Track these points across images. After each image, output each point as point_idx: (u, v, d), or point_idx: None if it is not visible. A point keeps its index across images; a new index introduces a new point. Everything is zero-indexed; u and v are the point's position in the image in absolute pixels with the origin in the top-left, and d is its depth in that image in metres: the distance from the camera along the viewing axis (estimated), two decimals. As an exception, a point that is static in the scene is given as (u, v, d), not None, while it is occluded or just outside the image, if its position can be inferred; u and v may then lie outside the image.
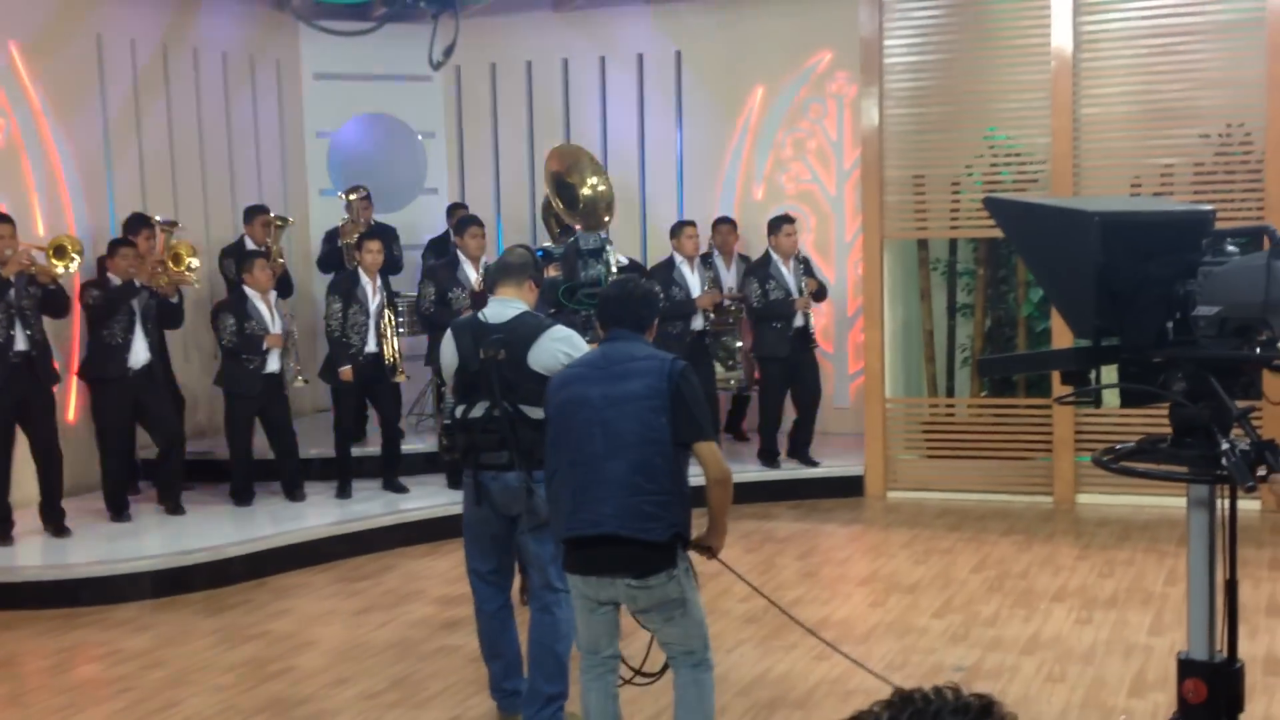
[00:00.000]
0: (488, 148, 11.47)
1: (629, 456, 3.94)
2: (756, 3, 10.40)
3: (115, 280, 7.84)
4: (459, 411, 4.82)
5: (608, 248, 6.03)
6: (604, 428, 3.97)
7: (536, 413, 4.61)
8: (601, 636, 4.12)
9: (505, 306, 4.83)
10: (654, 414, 3.95)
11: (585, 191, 9.20)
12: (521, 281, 4.90)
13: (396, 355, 8.55)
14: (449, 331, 4.94)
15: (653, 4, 10.74)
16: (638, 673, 4.37)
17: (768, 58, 10.40)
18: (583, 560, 4.02)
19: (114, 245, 7.99)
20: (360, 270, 8.52)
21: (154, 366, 7.97)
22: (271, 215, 9.44)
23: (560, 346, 4.72)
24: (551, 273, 6.00)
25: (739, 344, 9.52)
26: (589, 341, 5.13)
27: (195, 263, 8.25)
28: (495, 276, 4.98)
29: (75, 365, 8.36)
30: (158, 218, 8.81)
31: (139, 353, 7.87)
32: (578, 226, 7.90)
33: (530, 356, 4.70)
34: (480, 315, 4.88)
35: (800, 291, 8.97)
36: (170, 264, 8.09)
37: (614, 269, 6.01)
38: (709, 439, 4.04)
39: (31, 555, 7.21)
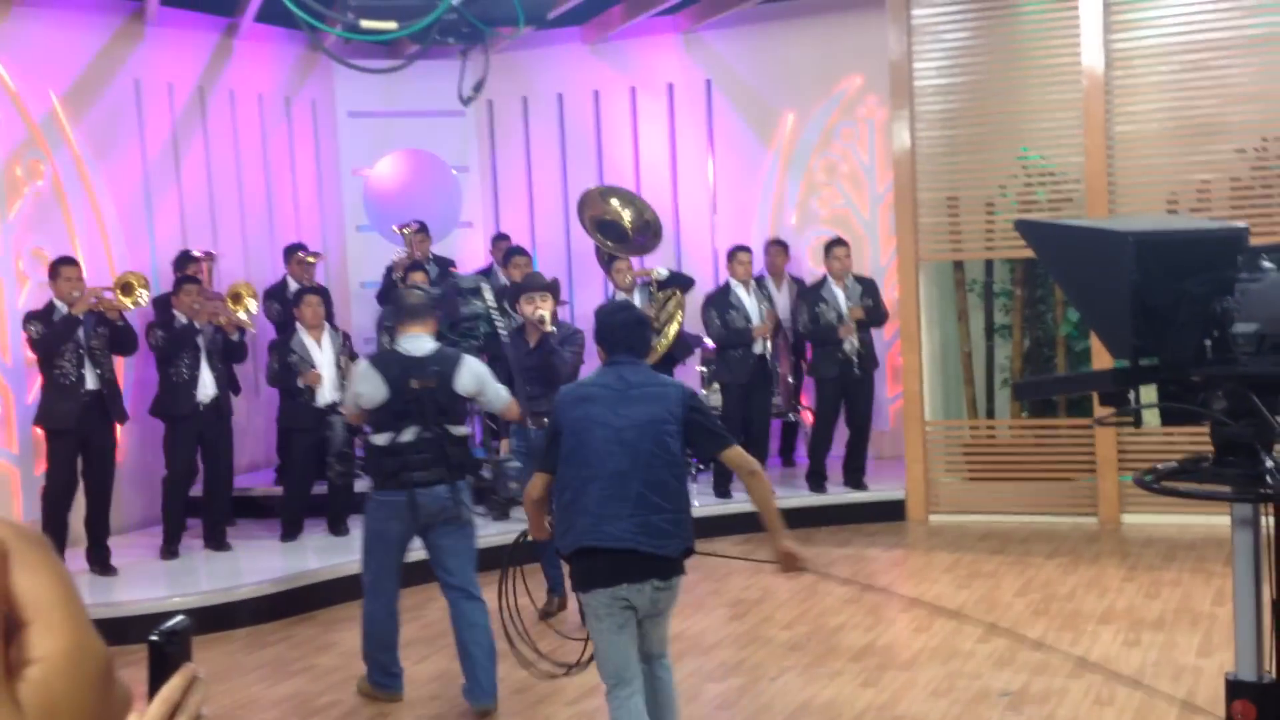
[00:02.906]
0: (521, 181, 11.55)
1: (647, 476, 4.18)
2: (785, 29, 10.44)
3: (180, 317, 7.97)
4: (385, 439, 5.36)
5: (483, 286, 6.68)
6: (623, 447, 4.19)
7: (460, 430, 5.50)
8: (629, 655, 4.22)
9: (421, 341, 5.45)
10: (671, 438, 4.23)
11: (629, 217, 9.28)
12: (427, 320, 5.53)
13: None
14: (368, 366, 5.50)
15: (682, 33, 10.80)
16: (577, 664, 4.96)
17: (798, 84, 10.42)
18: (610, 571, 4.17)
19: (179, 283, 8.16)
20: None
21: (221, 401, 8.07)
22: (303, 254, 9.57)
23: (477, 371, 5.53)
24: None
25: (777, 369, 9.51)
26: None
27: (254, 305, 8.35)
28: (403, 318, 5.56)
29: (131, 403, 8.50)
30: (196, 252, 8.96)
31: (206, 387, 7.97)
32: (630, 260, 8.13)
33: (457, 383, 5.41)
34: (399, 350, 5.47)
35: (842, 318, 8.93)
36: (230, 303, 8.20)
37: (491, 304, 6.66)
38: (732, 444, 4.36)
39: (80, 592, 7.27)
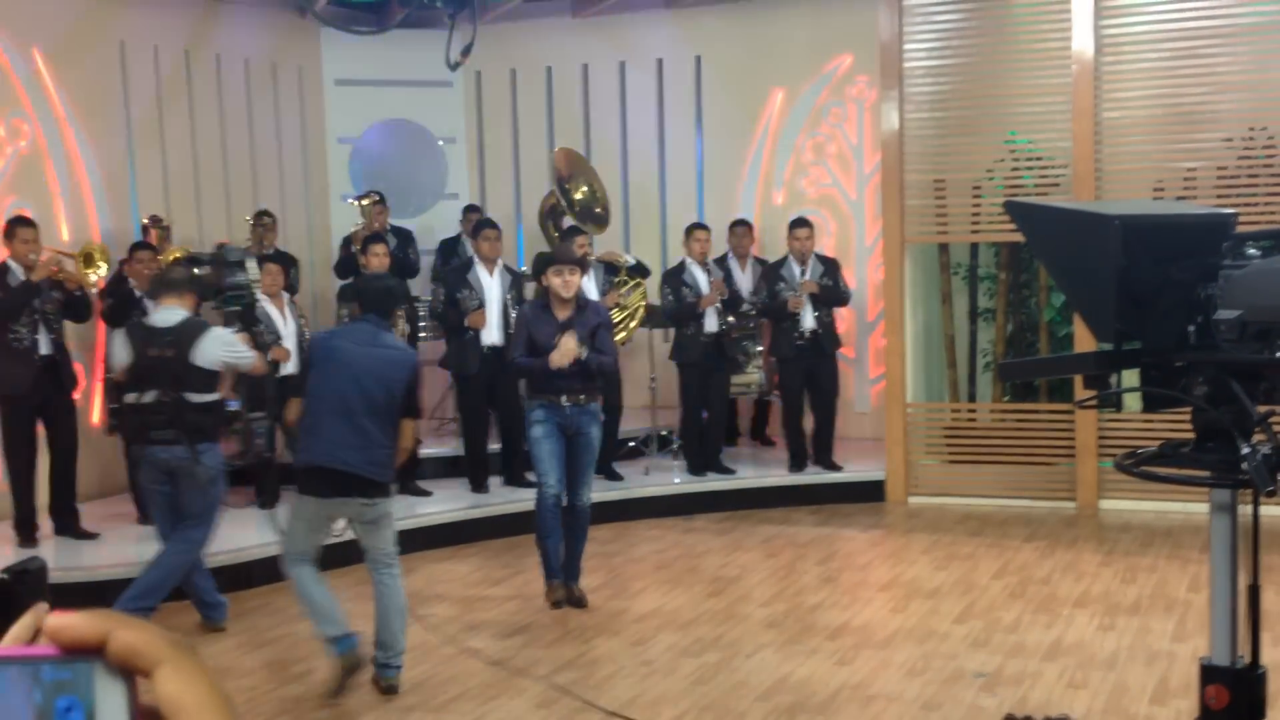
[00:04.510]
0: (508, 153, 11.50)
1: (375, 418, 5.20)
2: (776, 7, 10.40)
3: (135, 285, 7.89)
4: (132, 398, 6.00)
5: (248, 260, 7.01)
6: (362, 392, 5.20)
7: (198, 398, 5.95)
8: (312, 544, 5.39)
9: (170, 313, 5.97)
10: (398, 391, 5.27)
11: (577, 196, 9.45)
12: (183, 293, 6.05)
13: None
14: (123, 332, 6.17)
15: (672, 8, 10.75)
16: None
17: (787, 62, 10.39)
18: (326, 486, 5.26)
19: (133, 249, 8.07)
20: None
21: None
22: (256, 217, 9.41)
23: (219, 344, 5.96)
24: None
25: (759, 347, 9.52)
26: (236, 333, 6.34)
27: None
28: (159, 290, 6.17)
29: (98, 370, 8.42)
30: (144, 219, 8.85)
31: None
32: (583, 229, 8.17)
33: (194, 354, 5.89)
34: (148, 320, 6.12)
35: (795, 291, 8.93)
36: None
37: (255, 277, 7.08)
38: (415, 418, 5.55)
39: (56, 557, 7.25)
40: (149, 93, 9.48)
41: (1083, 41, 8.33)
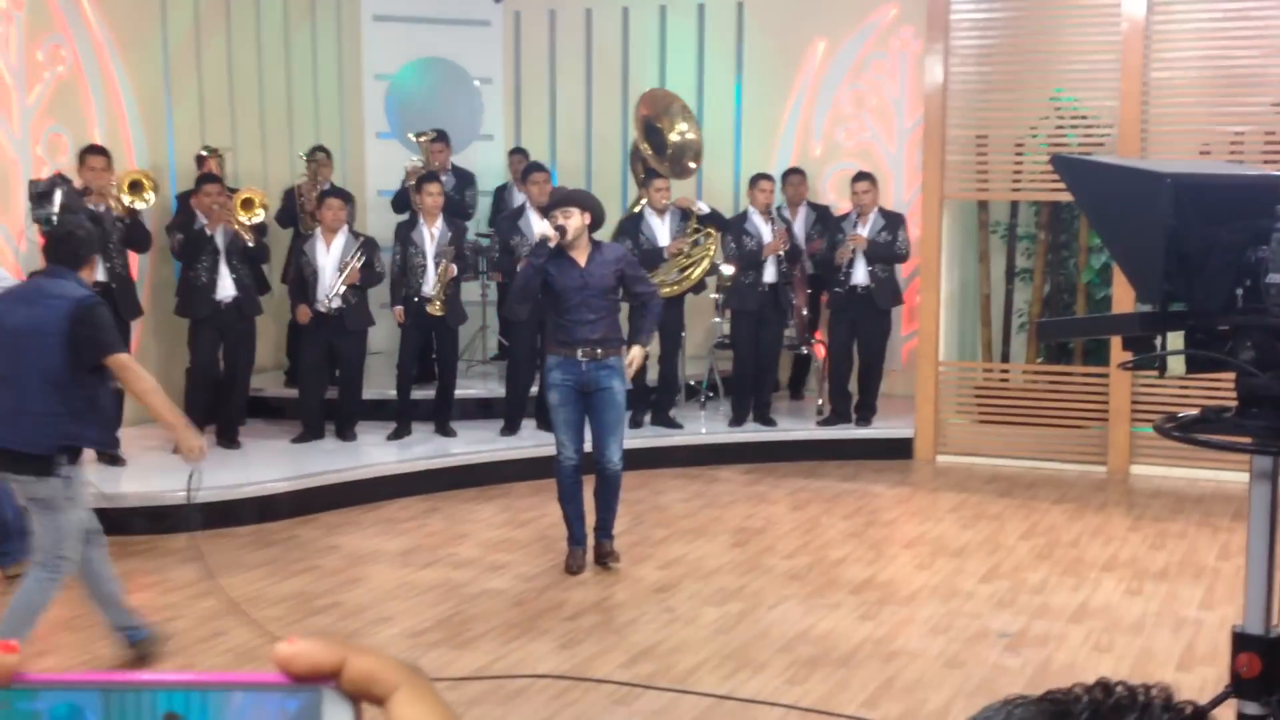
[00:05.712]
0: (544, 95, 11.41)
1: (25, 381, 4.52)
2: (822, -45, 10.23)
3: (200, 217, 7.94)
4: None
5: (56, 192, 6.63)
6: (10, 354, 4.55)
7: None
8: None
9: None
10: (52, 346, 4.52)
11: (673, 137, 9.39)
12: None
13: (441, 293, 8.45)
14: None
15: (717, -47, 10.60)
16: None
17: (831, 11, 10.24)
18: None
19: (200, 181, 8.18)
20: (420, 213, 8.52)
21: (242, 301, 8.11)
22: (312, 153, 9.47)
23: None
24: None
25: (792, 300, 9.44)
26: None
27: (261, 215, 8.23)
28: None
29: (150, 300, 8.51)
30: (204, 150, 8.87)
31: (225, 289, 8.02)
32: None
33: None
34: None
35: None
36: (240, 210, 8.09)
37: (54, 212, 6.68)
38: (116, 352, 4.63)
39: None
40: (187, 22, 9.43)
41: (1134, -1, 8.17)
